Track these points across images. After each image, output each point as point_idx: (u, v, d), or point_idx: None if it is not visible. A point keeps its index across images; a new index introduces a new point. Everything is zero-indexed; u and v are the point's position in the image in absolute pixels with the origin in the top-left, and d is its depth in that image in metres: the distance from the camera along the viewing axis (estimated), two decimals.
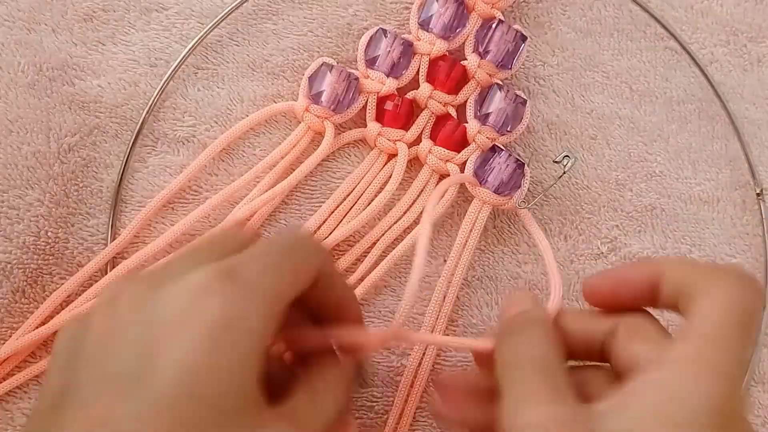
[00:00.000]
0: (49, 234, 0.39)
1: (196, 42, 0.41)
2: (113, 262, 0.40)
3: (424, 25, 0.42)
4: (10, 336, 0.39)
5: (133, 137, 0.41)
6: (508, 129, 0.42)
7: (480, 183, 0.42)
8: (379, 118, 0.42)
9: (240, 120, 0.42)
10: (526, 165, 0.42)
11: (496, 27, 0.42)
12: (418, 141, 0.43)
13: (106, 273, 0.40)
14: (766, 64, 0.46)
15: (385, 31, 0.42)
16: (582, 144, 0.44)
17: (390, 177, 0.42)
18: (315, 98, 0.41)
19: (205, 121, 0.42)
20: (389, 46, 0.41)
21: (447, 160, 0.42)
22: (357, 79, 0.42)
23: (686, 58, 0.45)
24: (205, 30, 0.42)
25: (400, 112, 0.42)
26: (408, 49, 0.42)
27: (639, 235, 0.44)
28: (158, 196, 0.40)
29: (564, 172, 0.41)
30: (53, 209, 0.40)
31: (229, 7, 0.42)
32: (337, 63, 0.41)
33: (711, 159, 0.45)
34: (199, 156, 0.41)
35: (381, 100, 0.42)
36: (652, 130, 0.45)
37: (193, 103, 0.42)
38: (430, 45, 0.42)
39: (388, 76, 0.42)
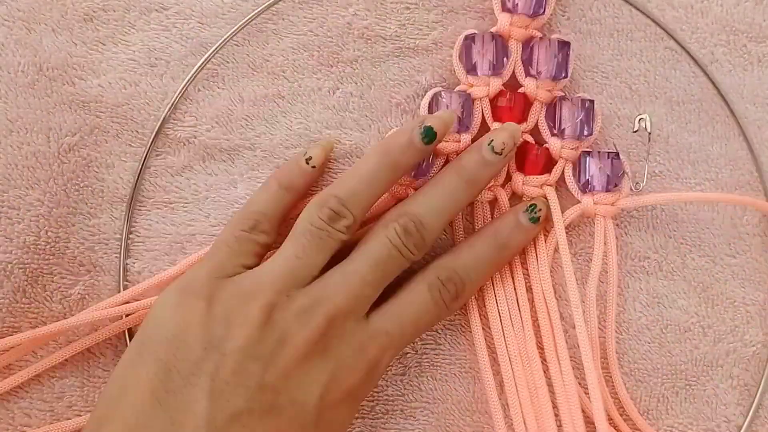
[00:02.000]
0: (50, 234, 0.39)
1: (219, 45, 0.42)
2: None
3: (471, 71, 0.42)
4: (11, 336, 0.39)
5: (151, 138, 0.41)
6: (587, 133, 0.42)
7: (586, 191, 0.42)
8: None
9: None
10: (620, 154, 0.43)
11: (538, 45, 0.42)
12: (507, 178, 0.43)
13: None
14: (766, 64, 0.46)
15: (440, 93, 0.42)
16: None
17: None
18: None
19: (206, 121, 0.42)
20: (448, 104, 0.42)
21: (542, 185, 0.42)
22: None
23: (686, 58, 0.45)
24: (230, 32, 0.42)
25: None
26: (467, 99, 0.42)
27: (640, 234, 0.44)
28: (162, 274, 0.41)
29: (649, 133, 0.42)
30: (54, 209, 0.40)
31: (261, 7, 0.42)
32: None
33: (711, 159, 0.45)
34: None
35: None
36: (652, 130, 0.45)
37: (194, 103, 0.42)
38: (486, 86, 0.42)
39: (458, 132, 0.42)
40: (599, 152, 0.42)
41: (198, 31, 0.42)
